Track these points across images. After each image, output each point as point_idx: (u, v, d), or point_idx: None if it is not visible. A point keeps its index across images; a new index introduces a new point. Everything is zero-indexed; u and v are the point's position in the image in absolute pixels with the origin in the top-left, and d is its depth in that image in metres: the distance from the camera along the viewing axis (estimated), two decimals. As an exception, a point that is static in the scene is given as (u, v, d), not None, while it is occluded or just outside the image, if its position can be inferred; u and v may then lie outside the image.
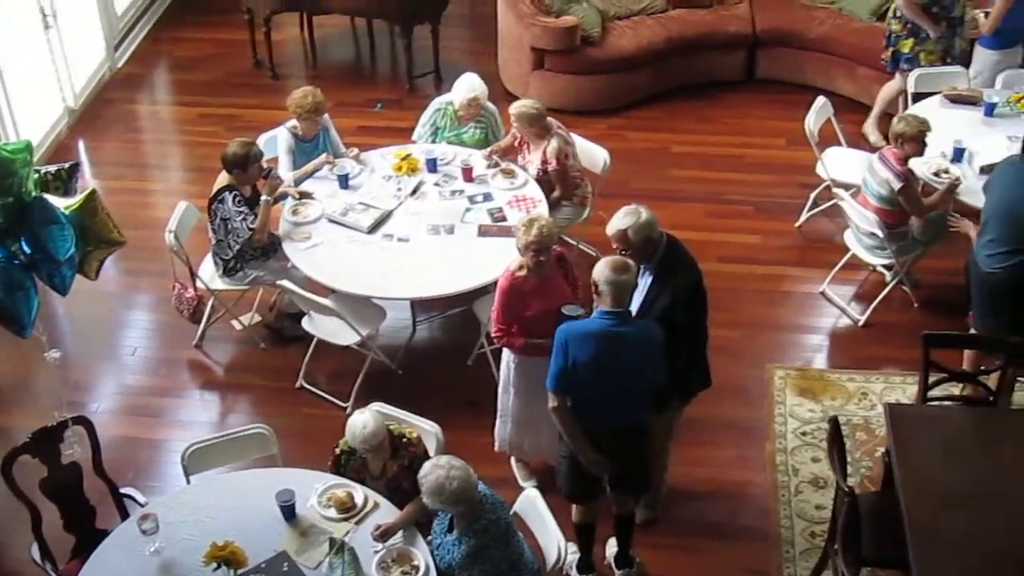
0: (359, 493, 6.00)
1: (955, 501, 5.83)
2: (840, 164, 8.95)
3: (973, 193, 7.86)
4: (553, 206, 8.08)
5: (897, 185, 7.77)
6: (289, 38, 11.88)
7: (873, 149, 8.81)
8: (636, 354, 5.82)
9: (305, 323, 7.81)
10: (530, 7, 10.44)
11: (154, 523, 5.79)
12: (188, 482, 6.33)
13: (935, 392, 6.75)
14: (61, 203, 5.83)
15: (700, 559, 6.91)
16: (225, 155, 7.68)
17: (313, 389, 7.92)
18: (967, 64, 9.45)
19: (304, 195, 8.07)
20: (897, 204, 7.88)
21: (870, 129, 10.02)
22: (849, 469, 6.96)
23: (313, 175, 8.25)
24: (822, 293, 8.65)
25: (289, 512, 5.90)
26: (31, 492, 6.09)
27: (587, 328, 5.85)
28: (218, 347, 8.38)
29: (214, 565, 5.58)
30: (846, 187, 8.52)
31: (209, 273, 8.09)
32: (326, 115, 8.42)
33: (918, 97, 9.17)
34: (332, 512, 5.93)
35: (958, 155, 8.28)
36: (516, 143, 8.38)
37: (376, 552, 5.75)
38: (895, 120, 7.94)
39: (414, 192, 8.12)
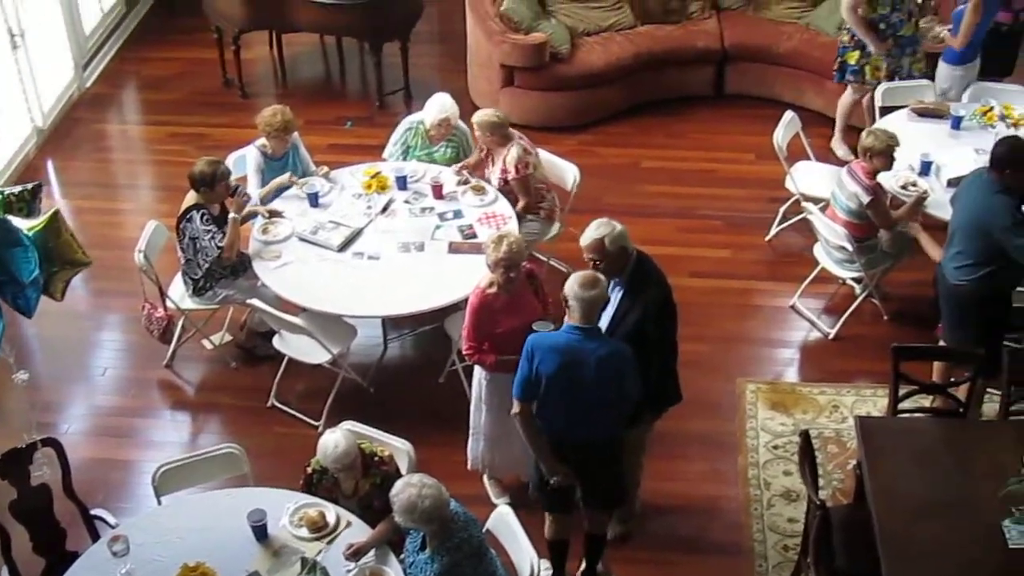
0: (331, 512, 5.98)
1: (927, 512, 5.85)
2: (809, 178, 9.00)
3: (941, 206, 7.91)
4: (519, 218, 8.08)
5: (866, 199, 7.80)
6: (258, 56, 11.87)
7: (842, 163, 8.85)
8: (602, 371, 5.82)
9: (276, 342, 7.79)
10: (499, 24, 10.46)
11: (124, 545, 5.76)
12: (159, 503, 6.29)
13: (905, 404, 6.78)
14: (24, 224, 5.80)
15: (673, 573, 6.91)
16: (192, 174, 7.66)
17: (284, 408, 7.90)
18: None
19: (274, 214, 8.05)
20: (866, 217, 7.92)
21: (837, 144, 10.08)
22: (821, 482, 6.98)
23: (282, 194, 8.23)
24: (792, 307, 8.69)
25: (261, 532, 5.87)
26: (0, 514, 6.05)
27: (554, 341, 5.86)
28: (189, 367, 8.35)
29: (185, 586, 5.57)
30: (815, 201, 8.55)
31: (179, 293, 8.06)
32: (296, 133, 8.42)
33: (885, 111, 9.23)
34: (304, 532, 5.91)
35: (925, 168, 8.34)
36: (483, 156, 8.40)
37: (348, 571, 5.73)
38: (864, 134, 7.98)
39: (384, 210, 8.12)
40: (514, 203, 8.16)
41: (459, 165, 8.41)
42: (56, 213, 6.00)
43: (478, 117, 8.14)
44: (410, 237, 7.89)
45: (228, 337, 8.42)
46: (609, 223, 6.11)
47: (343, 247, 7.80)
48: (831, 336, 8.44)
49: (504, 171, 8.16)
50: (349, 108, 11.23)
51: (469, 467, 7.16)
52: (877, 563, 5.64)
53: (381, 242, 7.87)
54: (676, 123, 10.81)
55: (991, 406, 7.42)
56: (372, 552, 5.82)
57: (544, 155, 8.54)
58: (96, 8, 11.82)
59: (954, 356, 7.18)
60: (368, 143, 9.86)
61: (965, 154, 8.40)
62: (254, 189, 8.24)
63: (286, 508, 5.99)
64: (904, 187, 8.18)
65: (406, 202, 8.19)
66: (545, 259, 8.68)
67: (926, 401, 7.25)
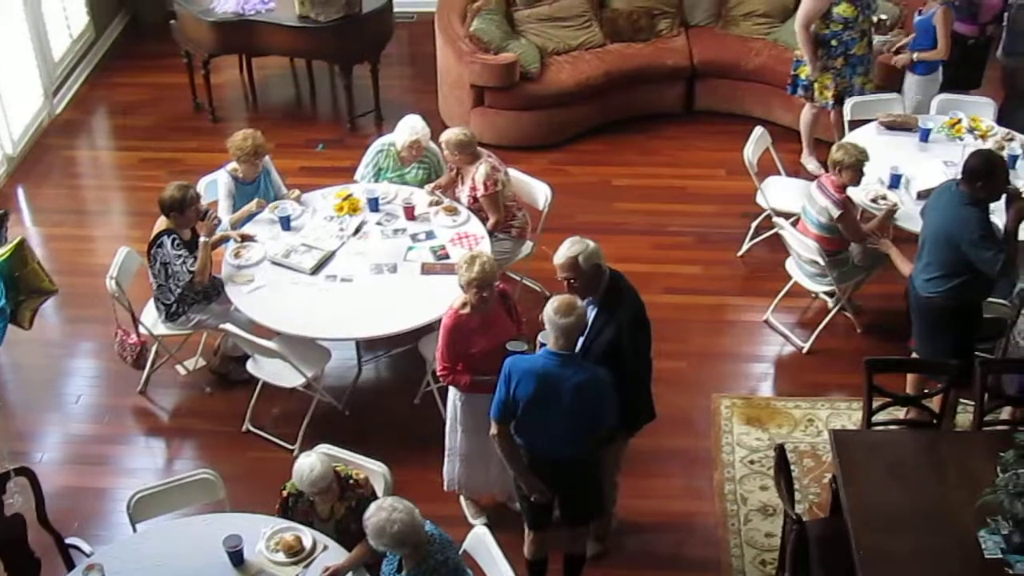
0: (307, 536, 5.96)
1: (902, 524, 5.86)
2: (780, 193, 9.04)
3: (911, 218, 7.96)
4: (491, 237, 8.09)
5: (836, 213, 7.83)
6: (229, 80, 11.86)
7: (812, 178, 8.89)
8: (579, 396, 5.83)
9: (250, 366, 7.78)
10: (469, 45, 10.48)
11: (100, 573, 5.73)
12: (134, 530, 6.25)
13: (880, 417, 6.80)
14: (-11, 254, 5.79)
15: (651, 591, 6.92)
16: (162, 199, 7.63)
17: (260, 432, 7.87)
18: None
19: (246, 238, 8.04)
20: (837, 231, 7.95)
21: (807, 159, 10.14)
22: (797, 496, 7.00)
23: (253, 218, 8.22)
24: (766, 321, 8.71)
25: (237, 557, 5.84)
26: (-26, 546, 6.03)
27: (531, 365, 5.87)
28: (163, 393, 8.31)
29: (162, 613, 5.55)
30: (786, 216, 8.59)
31: (152, 318, 8.03)
32: (267, 157, 8.41)
33: (855, 124, 9.28)
34: (280, 556, 5.89)
35: (895, 181, 8.38)
36: (453, 175, 8.42)
37: (326, 595, 5.72)
38: (834, 148, 8.01)
39: (356, 232, 8.11)
40: (484, 221, 8.17)
41: (431, 186, 8.42)
42: (22, 242, 5.99)
43: (446, 136, 8.16)
44: (383, 259, 7.89)
45: (202, 362, 8.39)
46: (582, 241, 6.12)
47: (316, 270, 7.79)
48: (805, 350, 8.47)
49: (473, 188, 8.17)
50: (320, 131, 11.23)
51: (445, 488, 7.14)
52: (854, 576, 5.67)
53: (354, 264, 7.86)
54: (647, 140, 10.85)
55: (965, 416, 7.46)
56: (349, 575, 5.79)
57: (516, 174, 8.56)
58: (65, 34, 11.80)
59: (927, 368, 7.22)
60: (340, 165, 9.86)
61: (934, 166, 8.46)
62: (225, 214, 8.22)
63: (262, 533, 5.96)
64: (874, 200, 8.22)
65: (378, 224, 8.18)
66: (518, 278, 8.70)
67: (900, 413, 7.30)
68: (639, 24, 11.09)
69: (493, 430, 6.03)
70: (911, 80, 9.63)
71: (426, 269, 7.80)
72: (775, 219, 8.57)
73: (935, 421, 6.79)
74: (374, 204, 8.27)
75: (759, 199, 9.06)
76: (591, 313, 6.15)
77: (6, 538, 6.07)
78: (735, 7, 11.18)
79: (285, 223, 8.14)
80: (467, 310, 6.57)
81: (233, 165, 8.30)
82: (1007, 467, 5.66)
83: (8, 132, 10.58)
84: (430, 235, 8.07)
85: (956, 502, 5.92)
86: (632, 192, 10.18)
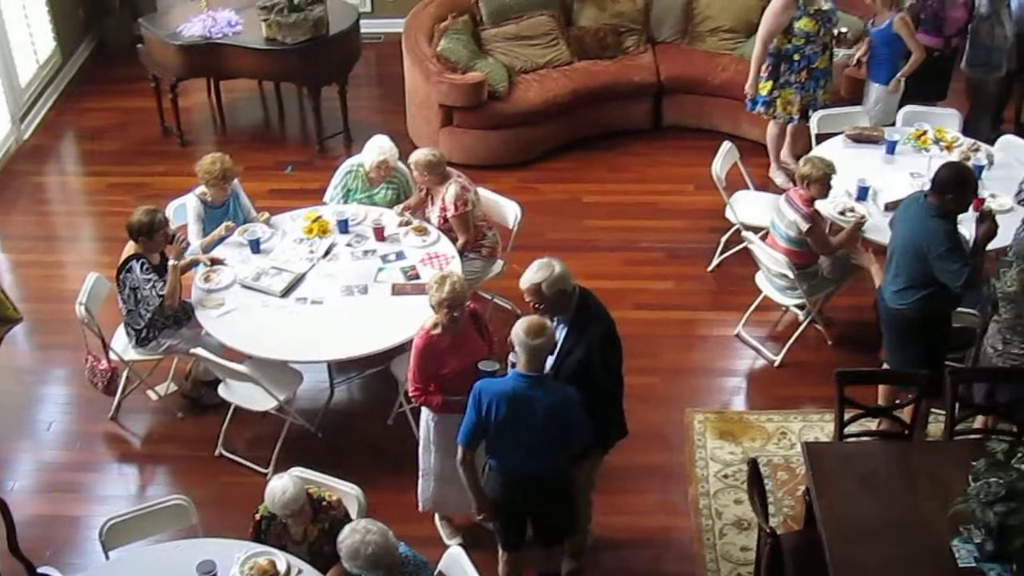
0: (281, 560, 5.93)
1: (876, 535, 5.87)
2: (748, 207, 9.08)
3: (879, 230, 8.00)
4: (461, 256, 8.09)
5: (805, 226, 7.87)
6: (197, 104, 11.84)
7: (781, 191, 8.93)
8: (550, 417, 5.84)
9: (221, 390, 7.75)
10: (436, 65, 10.50)
11: (72, 602, 5.70)
12: (107, 558, 6.21)
13: (852, 428, 6.81)
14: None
15: (628, 607, 6.92)
16: (130, 223, 7.62)
17: (232, 456, 7.84)
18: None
19: (215, 261, 8.02)
20: (805, 245, 7.99)
21: (775, 173, 10.20)
22: (772, 509, 7.02)
23: (224, 241, 8.20)
24: (737, 335, 8.73)
25: (211, 583, 5.82)
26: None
27: (502, 388, 5.87)
28: (134, 419, 8.26)
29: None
30: (755, 230, 8.62)
31: (122, 344, 8.00)
32: (236, 180, 8.39)
33: (821, 138, 9.34)
34: (255, 581, 5.87)
35: (862, 193, 8.42)
36: (423, 195, 8.42)
37: (300, 618, 5.70)
38: (801, 162, 8.05)
39: (326, 254, 8.10)
40: (454, 241, 8.18)
41: (400, 206, 8.42)
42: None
43: (415, 157, 8.17)
44: (353, 280, 7.88)
45: (173, 387, 8.35)
46: (549, 265, 6.09)
47: (286, 293, 7.78)
48: (776, 363, 8.49)
49: (443, 209, 8.17)
50: (289, 153, 11.22)
51: (420, 508, 7.13)
52: (829, 588, 5.68)
53: (324, 286, 7.85)
54: (615, 157, 10.88)
55: (936, 426, 7.47)
56: (324, 598, 5.80)
57: (485, 193, 8.57)
58: (32, 60, 11.76)
59: (897, 379, 7.26)
60: (310, 187, 9.84)
61: (901, 178, 8.51)
62: (195, 238, 8.20)
63: (236, 558, 5.92)
64: (842, 213, 8.25)
65: (348, 245, 8.18)
66: (489, 297, 8.70)
67: (872, 424, 7.32)
68: (606, 41, 11.14)
69: (460, 455, 6.02)
70: (874, 89, 9.70)
71: (397, 290, 7.79)
72: (744, 233, 8.60)
73: (907, 432, 6.81)
74: (344, 226, 8.27)
75: (728, 214, 9.09)
76: (561, 333, 6.16)
77: (-23, 569, 6.05)
78: (701, 23, 11.24)
79: (255, 246, 8.13)
80: (438, 330, 6.56)
81: (202, 189, 8.28)
82: (979, 476, 5.67)
83: (-25, 159, 10.55)
84: (400, 256, 8.07)
85: (929, 512, 5.94)
86: (602, 209, 10.20)
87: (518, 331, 5.78)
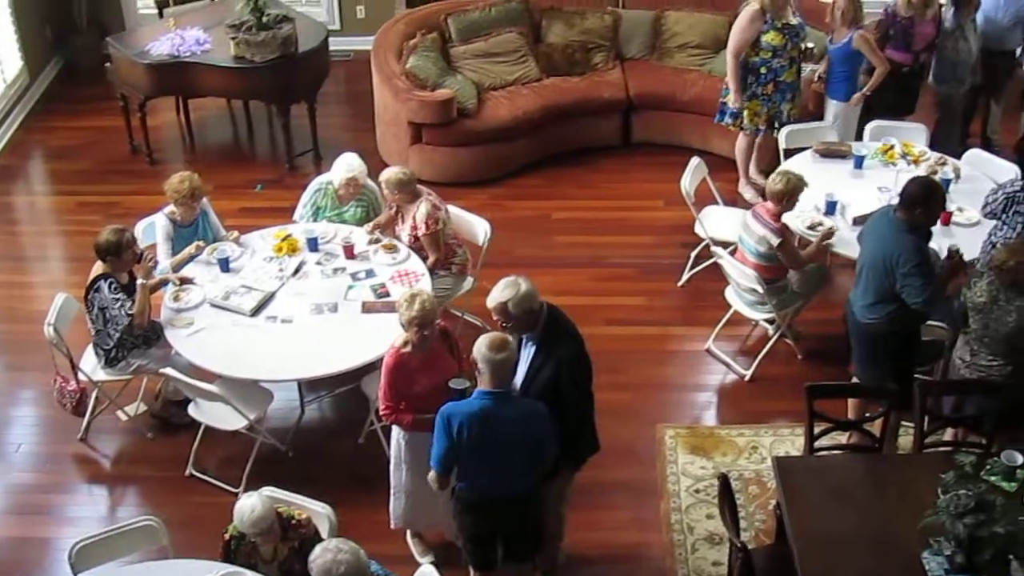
0: (252, 580, 5.93)
1: (847, 548, 5.90)
2: (718, 222, 9.11)
3: (847, 244, 8.04)
4: (431, 274, 8.09)
5: (775, 241, 7.90)
6: (165, 122, 11.82)
7: (749, 206, 8.96)
8: (518, 434, 5.85)
9: (191, 410, 7.71)
10: (405, 82, 10.50)
11: (41, 625, 5.66)
12: (77, 580, 6.18)
13: (822, 442, 6.84)
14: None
15: (600, 623, 6.92)
16: (98, 243, 7.59)
17: (203, 476, 7.80)
18: None
19: (185, 280, 7.99)
20: (775, 259, 8.01)
21: (744, 188, 10.26)
22: (744, 523, 7.03)
23: (193, 260, 8.18)
24: (708, 350, 8.75)
25: (181, 604, 5.80)
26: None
27: (469, 409, 5.84)
28: (104, 439, 8.21)
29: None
30: (724, 245, 8.64)
31: (91, 364, 7.96)
32: (205, 199, 8.37)
33: (789, 153, 9.38)
34: (225, 601, 5.84)
35: (831, 208, 8.46)
36: (393, 214, 8.42)
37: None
38: (771, 178, 8.07)
39: (296, 272, 8.09)
40: (425, 259, 8.18)
41: (370, 224, 8.42)
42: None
43: (385, 175, 8.16)
44: (323, 299, 7.87)
45: (143, 407, 8.31)
46: (515, 284, 6.08)
47: (256, 311, 7.76)
48: (747, 378, 8.52)
49: (414, 227, 8.17)
50: (259, 171, 11.20)
51: (392, 525, 7.10)
52: (800, 602, 5.69)
53: (294, 305, 7.83)
54: (585, 173, 10.90)
55: (906, 439, 7.49)
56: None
57: (455, 211, 8.57)
58: (-1, 79, 11.74)
59: (867, 392, 7.28)
60: (280, 205, 9.80)
61: (868, 192, 8.58)
62: (164, 257, 8.17)
63: (206, 579, 5.92)
64: (811, 227, 8.29)
65: (318, 263, 8.17)
66: (460, 315, 8.69)
67: (843, 438, 7.35)
68: (575, 58, 11.17)
69: (436, 482, 6.02)
70: (832, 106, 9.79)
71: (367, 308, 7.79)
72: (713, 248, 8.62)
73: (877, 445, 6.84)
74: (313, 244, 8.26)
75: (697, 229, 9.12)
76: (530, 351, 6.16)
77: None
78: (669, 39, 11.28)
79: (224, 265, 8.11)
80: (408, 349, 6.55)
81: (171, 208, 8.26)
82: (948, 488, 5.71)
83: (-58, 180, 10.48)
84: (370, 274, 8.06)
85: (899, 524, 5.96)
86: (571, 225, 10.22)
87: (481, 347, 5.77)
